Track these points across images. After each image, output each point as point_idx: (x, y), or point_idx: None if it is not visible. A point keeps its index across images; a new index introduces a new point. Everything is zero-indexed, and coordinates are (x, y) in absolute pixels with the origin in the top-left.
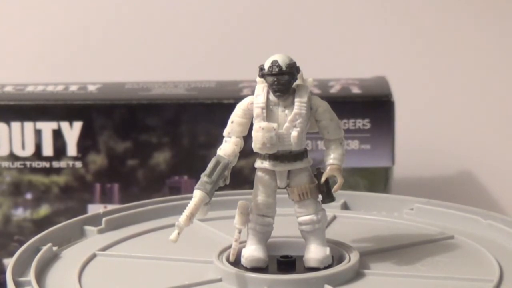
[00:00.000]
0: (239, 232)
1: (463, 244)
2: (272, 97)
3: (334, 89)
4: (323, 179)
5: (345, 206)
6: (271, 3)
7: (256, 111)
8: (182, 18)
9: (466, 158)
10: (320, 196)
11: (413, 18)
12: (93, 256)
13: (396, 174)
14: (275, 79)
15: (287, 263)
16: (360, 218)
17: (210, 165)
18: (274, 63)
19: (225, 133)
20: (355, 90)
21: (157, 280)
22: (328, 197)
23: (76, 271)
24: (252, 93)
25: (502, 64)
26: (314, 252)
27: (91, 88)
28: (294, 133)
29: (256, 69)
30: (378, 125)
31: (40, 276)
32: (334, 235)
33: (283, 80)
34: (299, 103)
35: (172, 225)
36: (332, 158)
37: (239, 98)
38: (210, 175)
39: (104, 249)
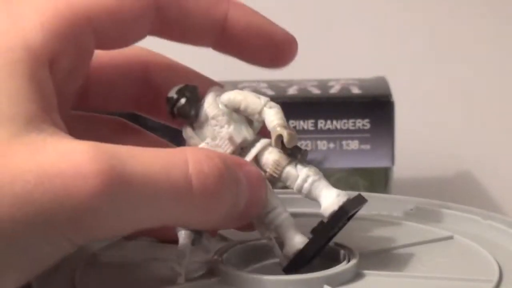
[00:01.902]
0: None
1: (463, 244)
2: (192, 124)
3: (334, 89)
4: (273, 142)
5: None
6: (271, 3)
7: (191, 142)
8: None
9: (466, 158)
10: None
11: (413, 18)
12: (93, 256)
13: (396, 174)
14: (176, 111)
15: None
16: (360, 218)
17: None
18: (168, 100)
19: None
20: (355, 90)
21: (158, 280)
22: (296, 153)
23: (75, 271)
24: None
25: (503, 64)
26: (325, 199)
27: None
28: (224, 131)
29: (256, 69)
30: (378, 125)
31: (40, 277)
32: (335, 237)
33: (183, 104)
34: (208, 108)
35: None
36: (270, 122)
37: None
38: None
39: (104, 249)
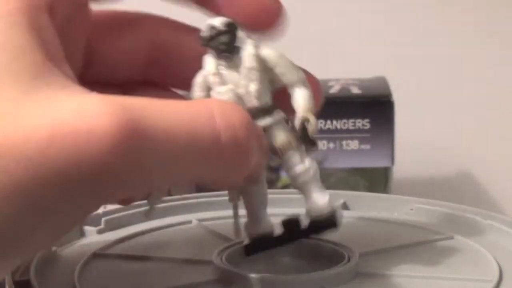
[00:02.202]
0: (235, 208)
1: (463, 245)
2: (221, 61)
3: (334, 89)
4: (296, 124)
5: (344, 206)
6: None
7: (210, 80)
8: (181, 16)
9: (466, 158)
10: (303, 147)
11: (413, 18)
12: (93, 256)
13: (396, 174)
14: (216, 41)
15: (291, 224)
16: (360, 218)
17: None
18: (210, 26)
19: None
20: (355, 90)
21: (158, 280)
22: (309, 143)
23: (75, 271)
24: None
25: (502, 64)
26: (315, 200)
27: None
28: (252, 86)
29: None
30: (378, 125)
31: (40, 276)
32: (334, 236)
33: (224, 40)
34: (247, 57)
35: (173, 225)
36: (300, 101)
37: None
38: None
39: (104, 249)
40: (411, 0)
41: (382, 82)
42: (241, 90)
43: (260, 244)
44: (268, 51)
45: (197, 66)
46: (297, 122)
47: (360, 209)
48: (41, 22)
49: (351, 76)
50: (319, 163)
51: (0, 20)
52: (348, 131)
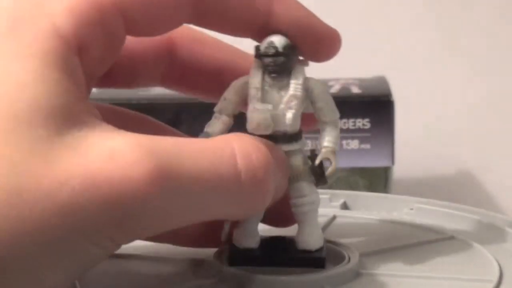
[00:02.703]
0: None
1: (463, 245)
2: (267, 78)
3: (334, 89)
4: (317, 161)
5: (344, 206)
6: None
7: (252, 92)
8: None
9: (466, 158)
10: (313, 179)
11: (413, 17)
12: None
13: (396, 174)
14: (271, 60)
15: (277, 244)
16: (360, 218)
17: None
18: (271, 43)
19: (216, 109)
20: (355, 90)
21: (158, 280)
22: (322, 180)
23: None
24: None
25: (503, 63)
26: (308, 234)
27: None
28: (289, 114)
29: None
30: (378, 125)
31: None
32: (334, 235)
33: (279, 62)
34: (295, 85)
35: None
36: (327, 141)
37: None
38: None
39: None
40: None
41: (382, 81)
42: (278, 113)
43: (241, 258)
44: (316, 84)
45: (211, 77)
46: (318, 159)
47: (360, 208)
48: (73, 64)
49: (351, 76)
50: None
51: (36, 59)
52: (348, 130)
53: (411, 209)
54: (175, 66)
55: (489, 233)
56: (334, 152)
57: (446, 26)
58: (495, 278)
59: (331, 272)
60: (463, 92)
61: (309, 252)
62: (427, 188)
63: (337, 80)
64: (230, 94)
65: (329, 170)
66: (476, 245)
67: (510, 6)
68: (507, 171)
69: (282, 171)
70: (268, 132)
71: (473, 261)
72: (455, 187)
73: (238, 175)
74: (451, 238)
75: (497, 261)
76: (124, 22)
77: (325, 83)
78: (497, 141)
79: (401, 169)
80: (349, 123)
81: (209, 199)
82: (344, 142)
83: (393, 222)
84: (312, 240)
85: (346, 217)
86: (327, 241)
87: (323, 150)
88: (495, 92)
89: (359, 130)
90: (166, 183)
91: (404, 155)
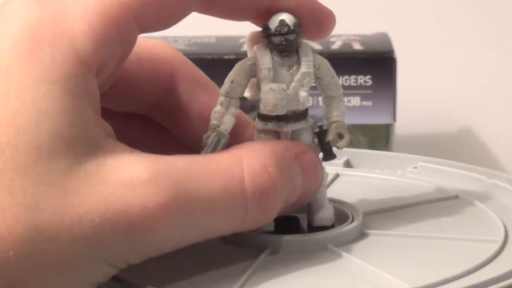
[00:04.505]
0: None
1: (467, 204)
2: (276, 57)
3: (336, 45)
4: (330, 136)
5: (348, 164)
6: None
7: (263, 73)
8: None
9: (469, 116)
10: (322, 154)
11: None
12: None
13: (398, 131)
14: (283, 39)
15: (289, 223)
16: (363, 176)
17: (211, 144)
18: (282, 22)
19: (222, 92)
20: (357, 47)
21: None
22: (330, 155)
23: None
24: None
25: (508, 20)
26: (321, 211)
27: None
28: (303, 93)
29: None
30: (379, 82)
31: None
32: (337, 194)
33: (291, 39)
34: (306, 62)
35: None
36: (336, 115)
37: (240, 54)
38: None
39: None
40: None
41: (384, 38)
42: (290, 92)
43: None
44: (323, 60)
45: (199, 122)
46: (330, 134)
47: (363, 167)
48: (92, 85)
49: (353, 32)
50: (320, 119)
51: (56, 86)
52: (349, 87)
53: (415, 167)
54: (169, 101)
55: (494, 193)
56: (344, 126)
57: None
58: (500, 238)
59: (335, 231)
60: (466, 48)
61: (326, 228)
62: (429, 146)
63: (338, 36)
64: (238, 76)
65: (342, 144)
66: (481, 205)
67: None
68: (511, 129)
69: (311, 176)
70: (283, 112)
71: (478, 221)
72: (458, 145)
73: (245, 197)
74: (456, 197)
75: (502, 221)
76: (137, 26)
77: (326, 60)
78: (501, 97)
79: (402, 126)
80: (351, 80)
81: (216, 220)
82: (345, 99)
83: (396, 180)
84: (326, 216)
85: (349, 175)
86: (331, 200)
87: (334, 125)
88: (499, 48)
89: (360, 87)
90: (181, 210)
91: (406, 112)
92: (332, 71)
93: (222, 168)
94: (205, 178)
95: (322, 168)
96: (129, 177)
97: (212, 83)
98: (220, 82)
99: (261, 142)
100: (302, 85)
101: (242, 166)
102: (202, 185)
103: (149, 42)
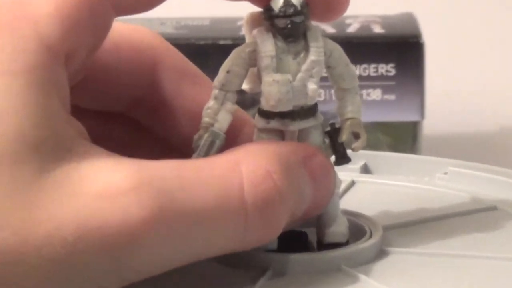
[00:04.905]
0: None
1: (507, 217)
2: (280, 43)
3: (352, 28)
4: (344, 136)
5: (365, 169)
6: None
7: (265, 61)
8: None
9: (509, 111)
10: (334, 157)
11: None
12: None
13: (426, 130)
14: (289, 21)
15: (295, 240)
16: (384, 184)
17: (204, 147)
18: (288, 2)
19: (216, 84)
20: (377, 29)
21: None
22: (344, 158)
23: None
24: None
25: None
26: (333, 225)
27: None
28: (312, 85)
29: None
30: (404, 71)
31: None
32: (352, 205)
33: (298, 22)
34: (316, 48)
35: None
36: (351, 111)
37: (238, 39)
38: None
39: None
40: None
41: (410, 19)
42: (297, 84)
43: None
44: (335, 46)
45: (188, 120)
46: (345, 134)
47: (383, 172)
48: (60, 77)
49: (373, 13)
50: (333, 116)
51: (19, 78)
52: (368, 78)
53: (445, 173)
54: (152, 96)
55: None
56: (360, 123)
57: None
58: None
59: (350, 249)
60: (504, 30)
61: (339, 245)
62: (463, 147)
63: (355, 17)
64: (234, 66)
65: (357, 145)
66: None
67: None
68: None
69: (321, 182)
70: (288, 108)
71: None
72: (497, 146)
73: (244, 209)
74: (493, 208)
75: None
76: (112, 7)
77: (339, 46)
78: None
79: (432, 123)
80: (370, 69)
81: (211, 237)
82: (364, 92)
83: (423, 188)
84: (339, 230)
85: (367, 182)
86: (345, 212)
87: (348, 122)
88: None
89: (382, 77)
90: (168, 225)
91: (436, 107)
92: (346, 58)
93: (217, 174)
94: (197, 187)
95: (335, 174)
96: (106, 186)
97: (202, 75)
98: (214, 73)
99: (262, 144)
100: (311, 76)
101: (240, 172)
102: (193, 195)
103: (127, 27)
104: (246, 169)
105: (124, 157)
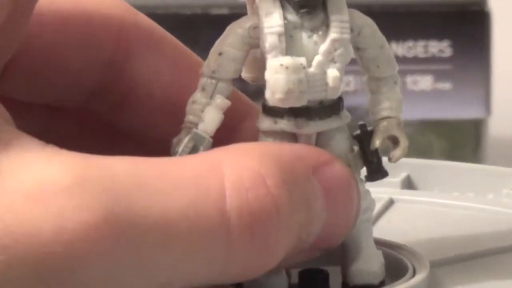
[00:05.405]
0: None
1: None
2: (292, 16)
3: None
4: (378, 141)
5: (408, 184)
6: None
7: (271, 40)
8: None
9: None
10: (365, 170)
11: None
12: None
13: (492, 131)
14: None
15: (315, 279)
16: (432, 203)
17: (183, 153)
18: None
19: (205, 70)
20: None
21: None
22: (380, 171)
23: None
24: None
25: None
26: (362, 261)
27: None
28: (333, 72)
29: None
30: (464, 52)
31: None
32: (390, 232)
33: None
34: (339, 23)
35: None
36: (387, 108)
37: (236, 7)
38: None
39: None
40: None
41: None
42: (314, 71)
43: None
44: (366, 20)
45: (165, 114)
46: (377, 139)
47: (432, 187)
48: None
49: None
50: (366, 112)
51: None
52: (414, 60)
53: None
54: (115, 84)
55: None
56: (400, 124)
57: None
58: None
59: None
60: None
61: (371, 287)
62: None
63: None
64: (230, 45)
65: (397, 154)
66: None
67: None
68: None
69: (338, 200)
70: (302, 103)
71: None
72: None
73: (225, 223)
74: None
75: None
76: None
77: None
78: None
79: (501, 123)
80: (417, 49)
81: (179, 259)
82: (409, 79)
83: (485, 210)
84: (370, 268)
85: (409, 201)
86: (380, 242)
87: (384, 123)
88: None
89: (433, 59)
90: (120, 238)
91: (506, 101)
92: (381, 37)
93: (190, 175)
94: (161, 190)
95: (359, 190)
96: (37, 184)
97: (188, 55)
98: (206, 50)
99: (259, 143)
100: (333, 60)
101: (222, 174)
102: (155, 201)
103: None
104: (230, 170)
105: (63, 149)
